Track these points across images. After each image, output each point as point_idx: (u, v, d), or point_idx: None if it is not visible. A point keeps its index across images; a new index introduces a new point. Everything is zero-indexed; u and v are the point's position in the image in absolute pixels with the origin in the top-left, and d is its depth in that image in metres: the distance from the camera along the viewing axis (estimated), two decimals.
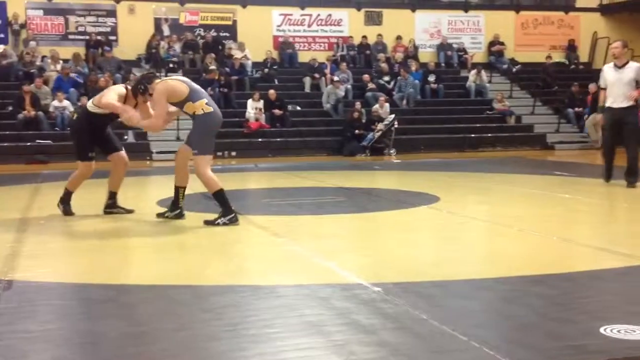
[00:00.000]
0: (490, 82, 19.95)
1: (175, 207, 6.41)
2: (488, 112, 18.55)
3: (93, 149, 6.80)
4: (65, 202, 6.89)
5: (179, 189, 6.38)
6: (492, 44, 21.41)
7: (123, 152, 6.96)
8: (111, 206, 6.90)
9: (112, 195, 6.91)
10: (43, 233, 5.95)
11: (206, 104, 6.10)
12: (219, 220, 6.07)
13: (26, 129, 15.29)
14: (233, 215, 6.11)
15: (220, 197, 6.11)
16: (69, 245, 5.52)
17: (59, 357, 2.91)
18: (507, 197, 8.59)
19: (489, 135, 17.81)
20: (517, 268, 4.48)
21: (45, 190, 9.51)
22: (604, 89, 9.00)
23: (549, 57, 20.98)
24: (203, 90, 6.35)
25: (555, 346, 2.92)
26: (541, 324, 3.25)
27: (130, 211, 6.92)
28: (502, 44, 21.33)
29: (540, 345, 2.94)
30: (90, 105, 6.76)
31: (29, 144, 15.00)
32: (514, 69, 20.75)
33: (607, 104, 8.88)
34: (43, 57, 17.70)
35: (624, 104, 8.70)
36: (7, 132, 15.21)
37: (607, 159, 9.06)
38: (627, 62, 8.83)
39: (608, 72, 8.93)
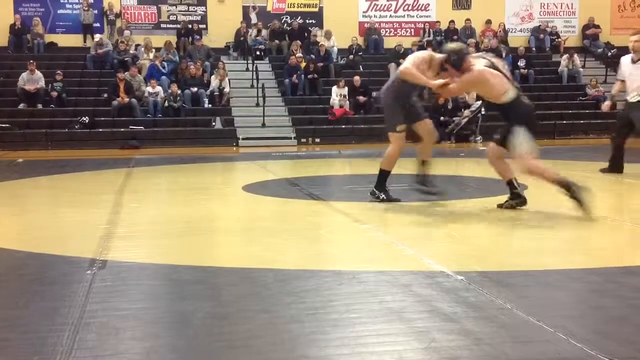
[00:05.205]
0: (583, 67, 19.25)
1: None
2: (581, 98, 17.90)
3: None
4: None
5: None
6: (586, 27, 20.63)
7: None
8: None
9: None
10: (136, 215, 6.20)
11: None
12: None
13: (120, 116, 15.90)
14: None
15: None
16: (160, 228, 5.71)
17: (149, 335, 3.02)
18: (600, 186, 8.26)
19: (582, 122, 17.19)
20: (608, 259, 4.33)
21: (137, 174, 9.87)
22: (622, 80, 8.67)
23: None
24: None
25: None
26: (633, 316, 3.13)
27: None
28: (597, 27, 20.50)
29: (631, 338, 2.84)
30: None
31: (122, 129, 15.59)
32: (610, 53, 19.90)
33: (627, 97, 8.63)
34: (137, 45, 18.31)
35: (634, 99, 8.47)
36: (103, 118, 15.86)
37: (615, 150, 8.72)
38: None
39: (625, 65, 8.57)
